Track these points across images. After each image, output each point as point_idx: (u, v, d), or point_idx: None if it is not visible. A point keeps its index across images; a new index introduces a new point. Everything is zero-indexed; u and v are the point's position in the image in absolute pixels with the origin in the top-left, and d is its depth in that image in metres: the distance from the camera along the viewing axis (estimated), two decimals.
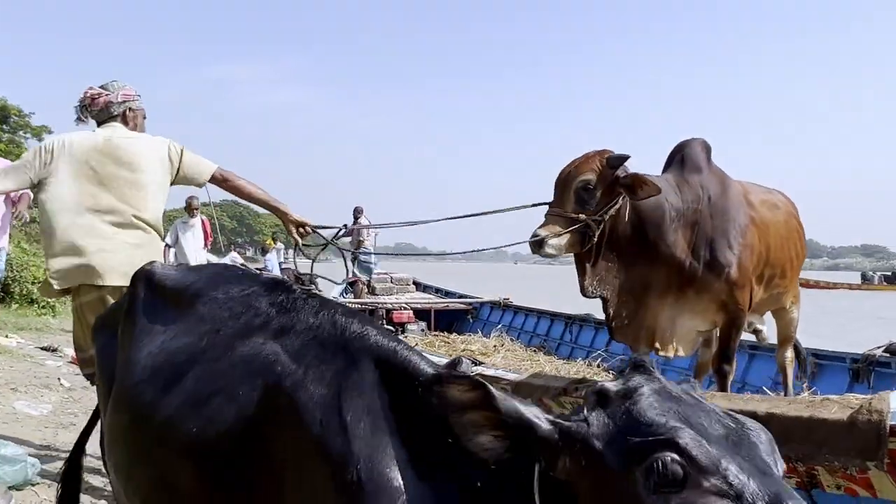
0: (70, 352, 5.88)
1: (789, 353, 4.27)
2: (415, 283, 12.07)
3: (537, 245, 3.04)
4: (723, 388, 3.46)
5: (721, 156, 3.55)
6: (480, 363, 4.19)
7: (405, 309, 9.85)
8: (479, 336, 8.29)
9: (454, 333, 8.91)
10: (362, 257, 12.03)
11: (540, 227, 3.09)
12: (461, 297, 10.85)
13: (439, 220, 3.88)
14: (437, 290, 11.93)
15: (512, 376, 3.84)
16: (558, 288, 10.58)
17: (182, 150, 3.22)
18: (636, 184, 3.04)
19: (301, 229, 3.60)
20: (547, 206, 3.24)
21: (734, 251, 3.28)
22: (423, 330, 9.32)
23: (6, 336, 5.99)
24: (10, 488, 2.40)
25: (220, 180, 3.36)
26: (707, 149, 3.47)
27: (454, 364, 4.23)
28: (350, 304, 9.66)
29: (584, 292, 3.21)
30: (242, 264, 16.77)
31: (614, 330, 3.33)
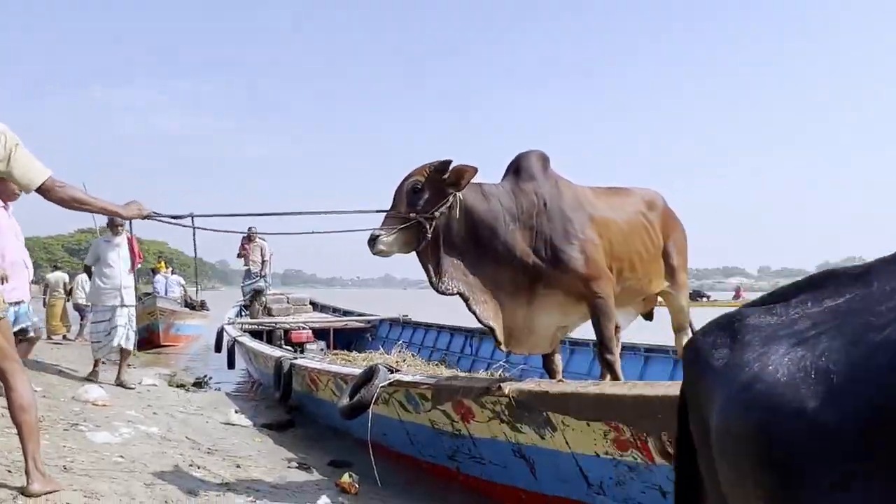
0: None
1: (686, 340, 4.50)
2: (312, 303, 11.73)
3: (371, 243, 3.24)
4: (614, 377, 3.60)
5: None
6: (397, 370, 4.13)
7: (303, 329, 9.54)
8: (380, 353, 8.12)
9: (354, 352, 8.69)
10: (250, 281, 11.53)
11: (378, 228, 3.30)
12: (360, 315, 10.64)
13: (279, 214, 3.87)
14: (335, 310, 11.65)
15: (430, 381, 3.83)
16: (453, 307, 10.59)
17: (17, 145, 2.83)
18: (458, 175, 3.31)
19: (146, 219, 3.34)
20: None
21: (576, 246, 3.51)
22: (322, 349, 9.05)
23: None
24: None
25: (49, 189, 2.85)
26: (543, 159, 3.71)
27: (371, 372, 4.14)
28: (247, 325, 9.20)
29: (435, 288, 3.37)
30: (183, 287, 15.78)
31: (494, 329, 3.40)
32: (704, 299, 34.16)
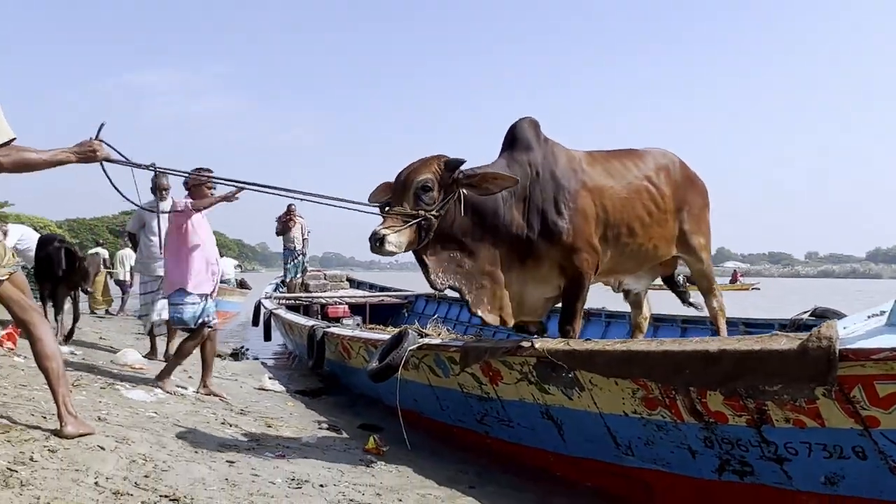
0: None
1: (716, 303, 4.48)
2: (349, 279, 11.91)
3: (378, 242, 3.13)
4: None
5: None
6: (426, 334, 4.16)
7: (340, 303, 9.70)
8: (414, 328, 8.19)
9: (390, 326, 8.79)
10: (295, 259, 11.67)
11: (379, 225, 3.21)
12: (396, 291, 10.75)
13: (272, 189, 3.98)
14: (372, 287, 11.80)
15: (458, 343, 3.85)
16: None
17: None
18: (487, 180, 3.26)
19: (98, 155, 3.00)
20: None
21: (564, 217, 3.48)
22: (357, 324, 9.17)
23: None
24: None
25: (4, 156, 2.64)
26: (535, 126, 3.66)
27: (401, 336, 4.20)
28: (284, 299, 9.39)
29: (432, 286, 3.37)
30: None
31: (483, 317, 3.44)
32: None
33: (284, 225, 11.68)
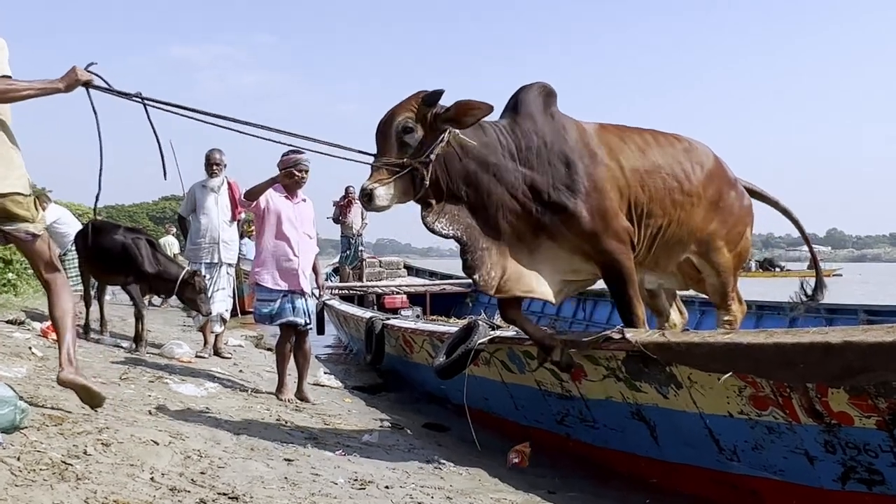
0: (38, 325, 5.95)
1: (728, 317, 4.17)
2: (406, 266, 12.00)
3: (367, 198, 3.20)
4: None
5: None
6: (498, 326, 4.16)
7: (397, 293, 9.81)
8: (481, 319, 8.21)
9: (453, 318, 8.85)
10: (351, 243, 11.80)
11: (367, 180, 3.21)
12: (459, 279, 10.78)
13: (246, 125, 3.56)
14: (432, 274, 11.87)
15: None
16: None
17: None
18: (461, 111, 3.21)
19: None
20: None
21: (580, 196, 3.40)
22: (417, 315, 9.27)
23: None
24: None
25: None
26: (546, 94, 3.58)
27: (470, 328, 4.22)
28: (337, 289, 9.57)
29: (430, 228, 3.34)
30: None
31: (480, 283, 3.42)
32: (777, 269, 34.12)
33: (342, 210, 11.79)
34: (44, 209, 9.30)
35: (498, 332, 4.03)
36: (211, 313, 6.36)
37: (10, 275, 8.93)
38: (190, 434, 3.35)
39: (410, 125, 3.26)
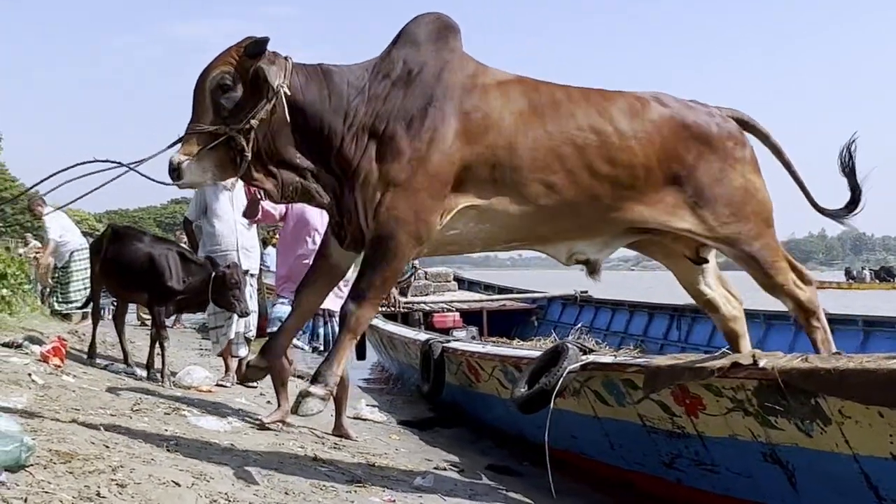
0: (37, 349, 5.95)
1: (802, 296, 4.01)
2: (457, 279, 11.85)
3: (175, 174, 3.14)
4: (338, 341, 3.48)
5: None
6: (591, 350, 4.09)
7: (449, 311, 9.65)
8: (551, 340, 8.03)
9: (516, 339, 8.68)
10: None
11: (177, 151, 3.14)
12: (520, 293, 10.61)
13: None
14: (487, 287, 11.72)
15: (641, 361, 3.73)
16: (644, 293, 10.48)
17: None
18: (256, 46, 3.19)
19: None
20: None
21: (412, 139, 3.28)
22: (473, 337, 9.10)
23: None
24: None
25: None
26: (443, 26, 3.50)
27: (557, 352, 4.14)
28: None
29: (271, 198, 3.35)
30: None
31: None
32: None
33: None
34: (38, 216, 9.34)
35: (592, 357, 3.95)
36: (248, 314, 6.16)
37: (3, 291, 9.00)
38: (214, 475, 3.31)
39: (228, 82, 3.18)
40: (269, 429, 4.91)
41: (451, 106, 3.37)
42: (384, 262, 3.34)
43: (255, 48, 3.18)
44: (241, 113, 3.18)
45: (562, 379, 3.79)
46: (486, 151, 3.43)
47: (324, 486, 3.59)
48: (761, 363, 3.06)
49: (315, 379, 3.34)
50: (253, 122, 3.16)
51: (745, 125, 4.12)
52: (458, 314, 9.64)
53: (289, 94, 3.23)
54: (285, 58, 3.39)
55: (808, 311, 4.02)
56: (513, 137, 3.47)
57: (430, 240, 3.48)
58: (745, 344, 4.27)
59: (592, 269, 4.02)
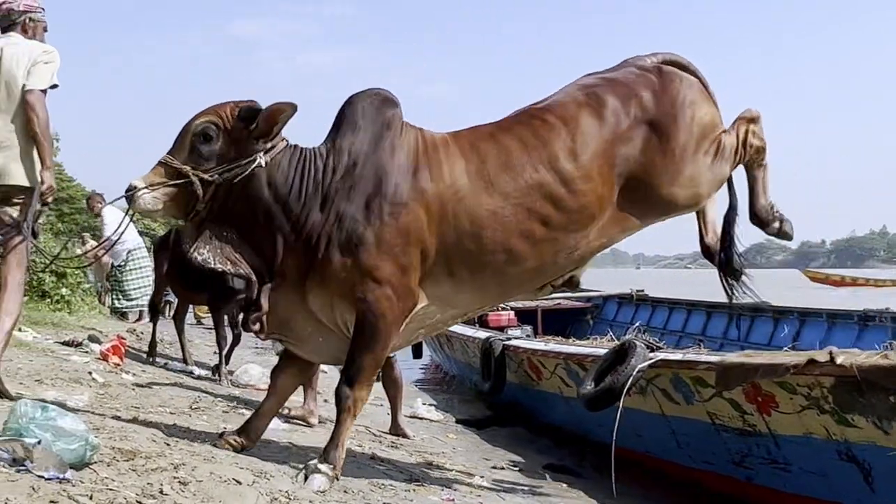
0: (97, 347, 6.13)
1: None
2: None
3: (128, 198, 3.25)
4: (338, 422, 3.48)
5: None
6: (658, 347, 4.09)
7: (504, 309, 9.57)
8: (607, 339, 7.93)
9: (571, 338, 8.57)
10: None
11: (142, 176, 3.24)
12: (576, 292, 10.51)
13: None
14: None
15: (713, 358, 3.72)
16: (700, 292, 10.36)
17: (48, 55, 3.75)
18: (271, 119, 3.25)
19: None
20: None
21: (371, 229, 3.29)
22: (528, 335, 9.01)
23: (20, 329, 6.21)
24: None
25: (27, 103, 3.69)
26: (377, 101, 3.45)
27: (624, 350, 4.13)
28: None
29: (189, 255, 3.37)
30: None
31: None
32: None
33: None
34: (97, 212, 9.56)
35: (661, 355, 3.94)
36: None
37: (63, 290, 9.19)
38: (274, 473, 3.32)
39: (211, 133, 3.26)
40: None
41: (402, 190, 3.36)
42: (372, 346, 3.39)
43: (247, 113, 3.27)
44: (212, 164, 3.27)
45: (632, 377, 3.79)
46: (446, 231, 3.42)
47: (382, 484, 3.60)
48: (839, 360, 3.03)
49: (324, 458, 3.40)
50: (217, 175, 3.24)
51: (685, 69, 3.85)
52: (512, 313, 9.57)
53: (267, 163, 3.30)
54: (284, 140, 3.45)
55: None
56: (467, 212, 3.42)
57: (412, 318, 3.51)
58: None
59: (574, 283, 3.95)
